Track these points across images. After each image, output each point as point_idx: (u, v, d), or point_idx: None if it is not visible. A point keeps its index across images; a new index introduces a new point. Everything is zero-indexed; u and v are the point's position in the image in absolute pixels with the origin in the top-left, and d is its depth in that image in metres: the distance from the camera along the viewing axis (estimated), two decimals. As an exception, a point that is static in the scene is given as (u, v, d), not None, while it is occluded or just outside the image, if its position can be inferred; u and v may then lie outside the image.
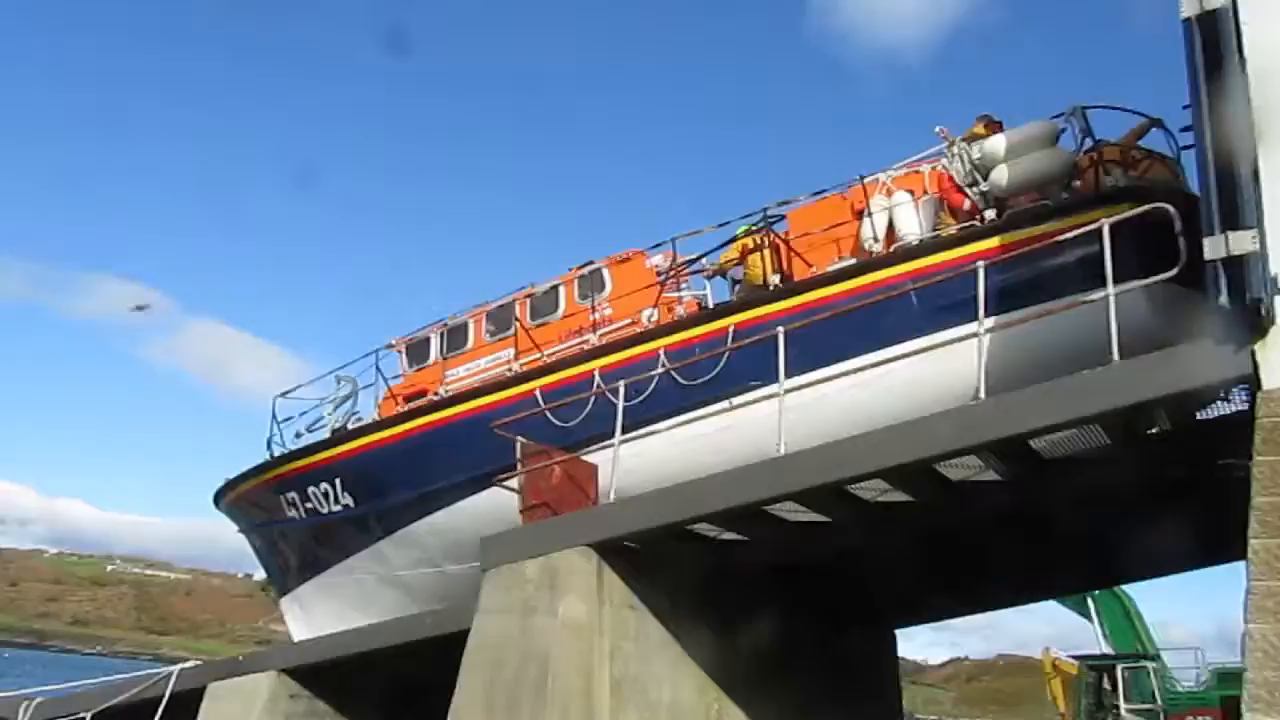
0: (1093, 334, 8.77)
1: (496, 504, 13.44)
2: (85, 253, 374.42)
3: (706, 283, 14.84)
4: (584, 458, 11.93)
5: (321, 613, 16.97)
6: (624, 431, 11.49)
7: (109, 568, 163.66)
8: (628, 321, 14.48)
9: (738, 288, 14.14)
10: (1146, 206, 9.42)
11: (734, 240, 14.18)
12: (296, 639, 16.30)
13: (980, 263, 9.93)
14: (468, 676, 10.42)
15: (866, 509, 10.32)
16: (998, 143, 11.98)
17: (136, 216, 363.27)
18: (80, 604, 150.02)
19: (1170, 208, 9.13)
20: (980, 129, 12.69)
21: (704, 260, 14.78)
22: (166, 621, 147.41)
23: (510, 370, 15.08)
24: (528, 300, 15.65)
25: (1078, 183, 11.64)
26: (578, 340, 14.73)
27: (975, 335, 9.43)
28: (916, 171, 13.00)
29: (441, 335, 16.43)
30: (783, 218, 13.82)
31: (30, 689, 17.80)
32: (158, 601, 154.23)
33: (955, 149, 12.57)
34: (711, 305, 14.12)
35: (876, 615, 14.83)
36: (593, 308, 14.80)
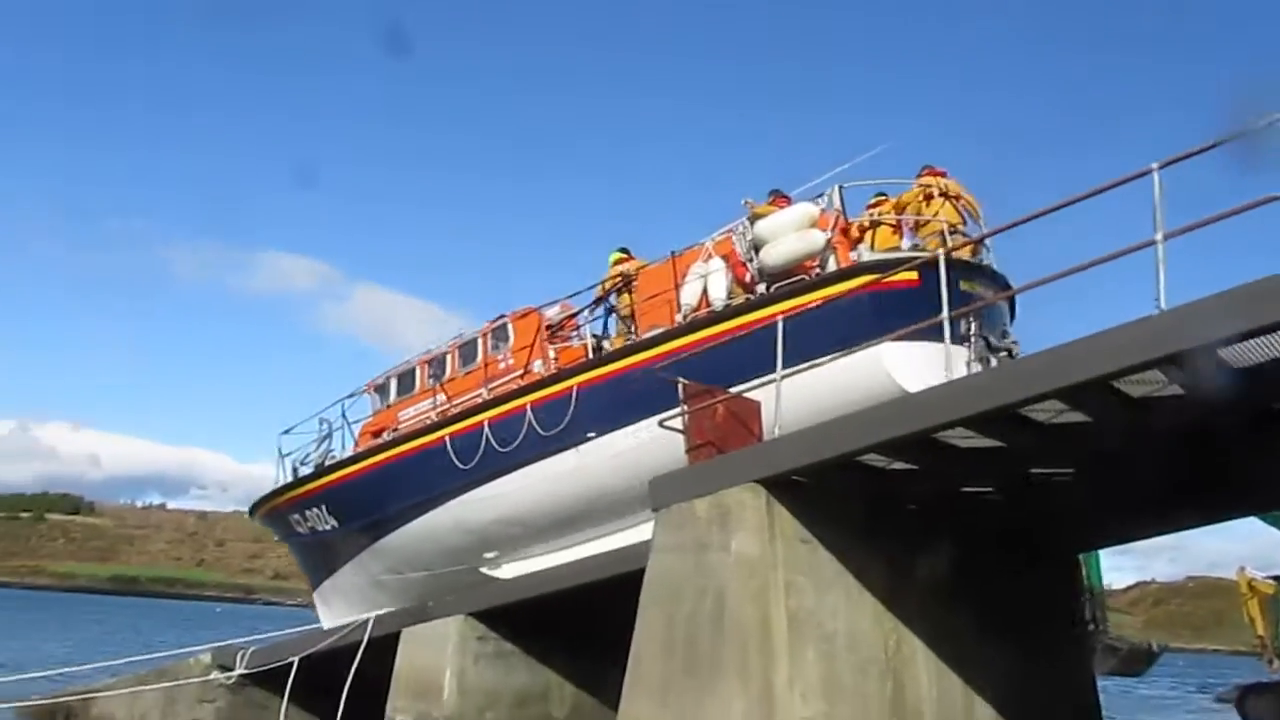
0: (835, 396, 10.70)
1: (429, 526, 16.78)
2: (248, 231, 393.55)
3: (588, 331, 16.21)
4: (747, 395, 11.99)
5: (335, 607, 19.85)
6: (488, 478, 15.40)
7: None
8: (520, 373, 16.16)
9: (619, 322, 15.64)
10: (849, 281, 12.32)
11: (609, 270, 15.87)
12: (325, 626, 18.44)
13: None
14: (646, 613, 10.67)
15: (1042, 432, 9.99)
16: (762, 227, 13.50)
17: (284, 190, 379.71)
18: (279, 560, 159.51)
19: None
20: (768, 206, 13.87)
21: (585, 312, 16.28)
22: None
23: (430, 419, 17.28)
24: (456, 350, 17.64)
25: (856, 250, 13.46)
26: (475, 393, 16.67)
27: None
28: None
29: (397, 379, 18.79)
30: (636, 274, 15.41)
31: (243, 639, 19.19)
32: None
33: (740, 226, 13.98)
34: (592, 352, 15.58)
35: (1055, 540, 14.42)
36: (486, 362, 16.75)
